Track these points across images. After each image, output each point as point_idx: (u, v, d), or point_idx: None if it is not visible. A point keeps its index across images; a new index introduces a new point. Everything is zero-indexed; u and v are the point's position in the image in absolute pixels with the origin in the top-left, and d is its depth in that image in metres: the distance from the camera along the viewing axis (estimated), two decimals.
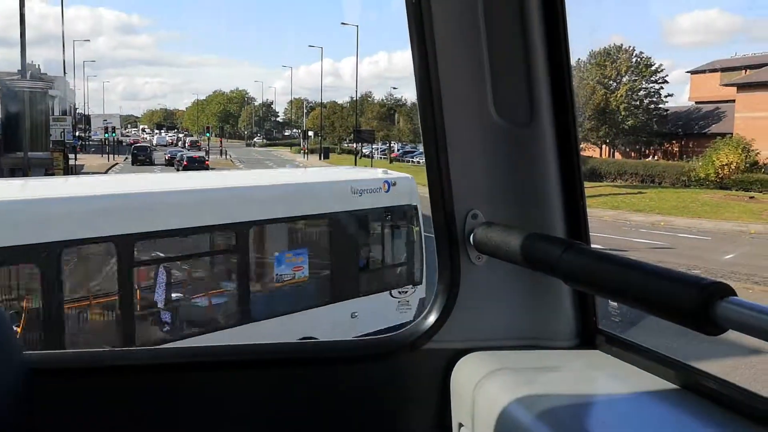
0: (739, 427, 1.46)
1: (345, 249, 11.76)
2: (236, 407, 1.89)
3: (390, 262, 12.56)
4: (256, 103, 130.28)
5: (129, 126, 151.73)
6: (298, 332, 10.33)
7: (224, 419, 1.88)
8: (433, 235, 2.01)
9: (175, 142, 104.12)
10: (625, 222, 31.47)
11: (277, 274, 11.12)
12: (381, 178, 12.55)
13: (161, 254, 10.13)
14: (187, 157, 56.31)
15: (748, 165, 41.80)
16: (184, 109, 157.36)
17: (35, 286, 8.65)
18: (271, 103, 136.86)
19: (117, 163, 59.33)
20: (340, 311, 11.31)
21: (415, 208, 12.40)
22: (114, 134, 69.39)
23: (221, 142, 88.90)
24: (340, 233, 11.67)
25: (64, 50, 77.41)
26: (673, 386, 1.67)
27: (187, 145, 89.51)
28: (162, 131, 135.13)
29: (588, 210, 2.02)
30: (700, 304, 1.20)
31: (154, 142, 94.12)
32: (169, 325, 10.08)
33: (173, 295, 10.35)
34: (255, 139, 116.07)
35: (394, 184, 12.26)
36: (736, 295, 1.19)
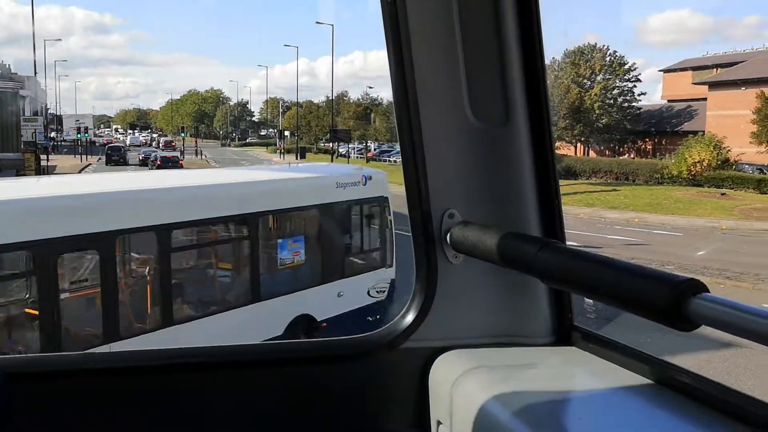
0: (713, 421, 1.48)
1: (332, 236, 13.20)
2: (216, 409, 1.88)
3: (368, 248, 14.00)
4: (232, 103, 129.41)
5: (102, 126, 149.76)
6: (297, 310, 11.95)
7: (204, 421, 1.87)
8: (409, 233, 2.02)
9: (149, 142, 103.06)
10: (600, 219, 31.81)
11: (280, 258, 12.43)
12: (366, 172, 14.15)
13: (194, 241, 11.60)
14: (161, 157, 56.88)
15: (719, 162, 42.41)
16: (158, 109, 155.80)
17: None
18: (247, 102, 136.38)
19: (90, 164, 58.57)
20: (329, 291, 12.65)
21: (387, 199, 13.84)
22: (87, 135, 68.38)
23: (196, 142, 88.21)
24: (328, 222, 13.10)
25: (35, 50, 75.88)
26: (648, 381, 1.69)
27: (161, 145, 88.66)
28: (135, 131, 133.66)
29: (564, 207, 2.05)
30: (673, 301, 1.21)
31: (128, 143, 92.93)
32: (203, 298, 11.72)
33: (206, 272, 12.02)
34: (230, 139, 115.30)
35: (370, 178, 13.72)
36: (708, 291, 1.21)
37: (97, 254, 9.78)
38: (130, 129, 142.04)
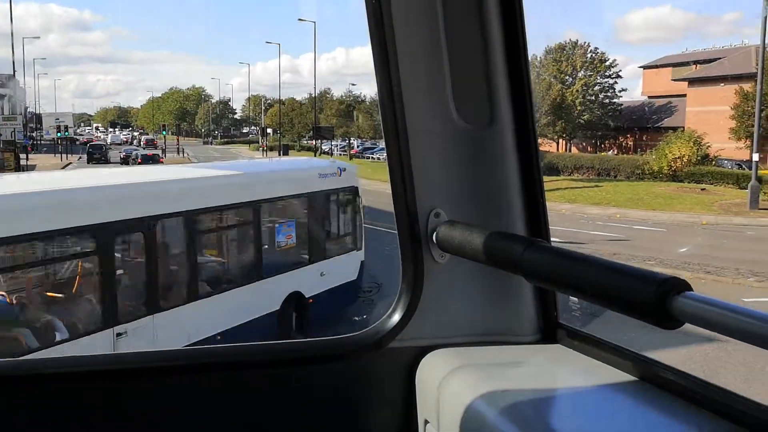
0: (696, 417, 1.50)
1: (317, 221, 14.74)
2: (200, 412, 1.87)
3: (343, 232, 15.53)
4: (213, 101, 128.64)
5: (82, 125, 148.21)
6: (290, 287, 13.39)
7: (189, 424, 1.87)
8: (395, 231, 2.02)
9: (129, 140, 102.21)
10: (583, 215, 32.01)
11: (277, 241, 13.81)
12: (339, 164, 15.88)
13: (212, 226, 12.77)
14: (142, 155, 57.39)
15: (699, 158, 42.83)
16: (139, 107, 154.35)
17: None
18: (229, 100, 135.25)
19: (71, 163, 57.96)
20: (314, 270, 14.23)
21: (357, 189, 15.55)
22: (67, 133, 67.67)
23: (178, 140, 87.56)
24: (313, 209, 14.55)
25: (13, 48, 75.04)
26: (632, 378, 1.71)
27: (142, 143, 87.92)
28: (116, 130, 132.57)
29: (547, 203, 2.07)
30: (657, 299, 1.23)
31: (108, 141, 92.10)
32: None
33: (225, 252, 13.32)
34: (212, 137, 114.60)
35: (344, 170, 15.36)
36: (692, 290, 1.23)
37: (142, 236, 10.82)
38: (111, 127, 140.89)
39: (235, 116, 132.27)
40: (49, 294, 10.35)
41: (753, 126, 35.65)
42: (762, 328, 1.11)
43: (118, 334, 9.98)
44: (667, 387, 1.61)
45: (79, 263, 10.46)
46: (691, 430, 1.50)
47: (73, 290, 10.40)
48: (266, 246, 13.50)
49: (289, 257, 14.02)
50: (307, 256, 14.31)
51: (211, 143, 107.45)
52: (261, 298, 12.73)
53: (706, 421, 1.47)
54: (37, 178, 19.20)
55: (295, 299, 13.55)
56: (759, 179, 33.22)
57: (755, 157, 33.72)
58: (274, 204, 13.85)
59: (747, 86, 42.23)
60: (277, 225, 13.77)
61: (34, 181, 14.07)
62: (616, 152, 58.18)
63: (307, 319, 13.80)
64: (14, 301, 9.70)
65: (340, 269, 14.80)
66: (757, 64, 36.02)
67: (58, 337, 9.59)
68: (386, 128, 1.93)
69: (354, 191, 15.42)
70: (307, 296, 13.79)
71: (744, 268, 20.11)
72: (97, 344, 9.57)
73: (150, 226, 10.75)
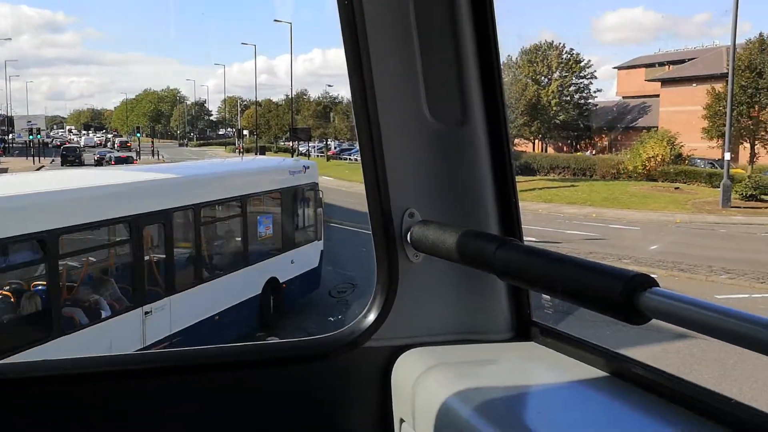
0: (666, 411, 1.53)
1: (288, 214, 16.16)
2: (173, 415, 1.86)
3: (307, 224, 16.98)
4: (189, 102, 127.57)
5: (55, 127, 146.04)
6: (269, 273, 14.86)
7: (161, 428, 1.85)
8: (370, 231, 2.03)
9: (103, 143, 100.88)
10: (559, 214, 32.25)
11: (259, 232, 15.36)
12: (304, 163, 17.84)
13: (211, 218, 14.16)
14: (115, 158, 57.44)
15: (672, 157, 43.34)
16: (113, 108, 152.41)
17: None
18: (204, 102, 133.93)
19: (44, 166, 57.16)
20: (286, 258, 15.69)
21: (317, 185, 17.10)
22: (39, 136, 66.69)
23: (152, 142, 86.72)
24: (285, 202, 16.01)
25: None
26: (605, 374, 1.74)
27: (116, 145, 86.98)
28: (90, 132, 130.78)
29: (523, 203, 2.09)
30: (625, 295, 1.25)
31: (82, 143, 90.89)
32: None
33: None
34: (188, 139, 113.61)
35: (308, 168, 17.07)
36: (658, 286, 1.25)
37: (162, 227, 12.14)
38: (85, 130, 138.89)
39: (211, 118, 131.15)
40: (95, 277, 11.85)
41: (725, 126, 36.22)
42: (725, 323, 1.14)
43: (146, 313, 11.41)
44: (639, 382, 1.64)
45: (112, 251, 12.18)
46: (662, 425, 1.52)
47: (111, 274, 11.96)
48: (252, 236, 15.06)
49: (267, 247, 15.57)
50: (280, 246, 15.78)
51: (187, 145, 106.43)
52: (248, 282, 14.24)
53: (677, 416, 1.50)
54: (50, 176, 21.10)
55: (272, 284, 14.97)
56: (731, 178, 33.77)
57: (727, 156, 34.26)
58: (259, 198, 15.39)
59: (718, 86, 42.84)
60: (258, 217, 15.23)
61: (60, 179, 15.03)
62: (594, 152, 58.72)
63: (281, 302, 15.31)
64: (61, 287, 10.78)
65: (305, 257, 16.38)
66: (728, 65, 36.61)
67: (103, 315, 11.03)
68: (360, 129, 1.94)
69: (315, 186, 16.93)
70: (281, 281, 15.26)
71: (716, 266, 20.41)
72: (133, 321, 11.16)
73: (169, 217, 12.19)
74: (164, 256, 12.26)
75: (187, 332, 12.05)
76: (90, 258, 11.75)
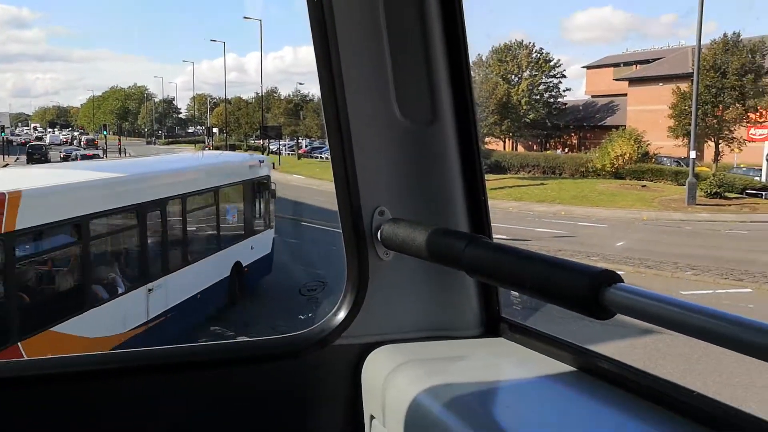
0: (632, 405, 1.56)
1: (248, 203, 17.73)
2: (142, 414, 1.85)
3: (262, 213, 18.40)
4: (157, 100, 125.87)
5: (20, 125, 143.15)
6: (235, 258, 16.37)
7: (137, 425, 1.84)
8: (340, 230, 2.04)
9: (69, 140, 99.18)
10: (529, 212, 32.53)
11: (227, 220, 16.94)
12: (259, 157, 20.44)
13: (195, 206, 15.45)
14: (81, 155, 56.27)
15: (640, 155, 43.96)
16: (79, 106, 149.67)
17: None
18: (173, 99, 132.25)
19: (8, 164, 56.05)
20: (247, 245, 17.21)
21: (270, 177, 18.67)
22: (3, 134, 65.39)
23: (119, 140, 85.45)
24: (246, 193, 17.52)
25: None
26: (572, 369, 1.76)
27: (83, 143, 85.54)
28: (55, 130, 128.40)
29: (494, 202, 2.11)
30: (590, 291, 1.27)
31: (48, 141, 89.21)
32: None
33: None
34: (156, 137, 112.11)
35: (262, 161, 19.02)
36: (623, 281, 1.28)
37: (158, 214, 13.47)
38: (50, 127, 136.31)
39: (180, 116, 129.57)
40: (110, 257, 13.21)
41: (690, 125, 36.86)
42: (687, 317, 1.16)
43: (150, 289, 12.81)
44: (605, 377, 1.67)
45: (122, 234, 13.41)
46: (627, 418, 1.55)
47: (121, 255, 13.37)
48: (224, 224, 16.65)
49: (233, 234, 17.13)
50: (243, 233, 17.39)
51: (155, 143, 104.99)
52: (221, 265, 15.79)
53: (642, 409, 1.53)
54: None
55: (237, 267, 16.52)
56: (696, 176, 34.37)
57: (692, 154, 34.89)
58: (229, 189, 16.85)
59: (684, 86, 43.55)
60: (226, 206, 16.75)
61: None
62: (566, 151, 59.30)
63: (243, 285, 16.82)
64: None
65: (262, 244, 17.99)
66: (693, 65, 37.24)
67: (119, 291, 12.46)
68: (329, 128, 1.94)
69: (268, 178, 18.60)
70: (244, 265, 16.78)
71: (682, 262, 20.76)
72: (139, 297, 12.64)
73: (164, 205, 13.57)
74: (161, 238, 13.80)
75: (179, 308, 13.67)
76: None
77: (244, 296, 16.66)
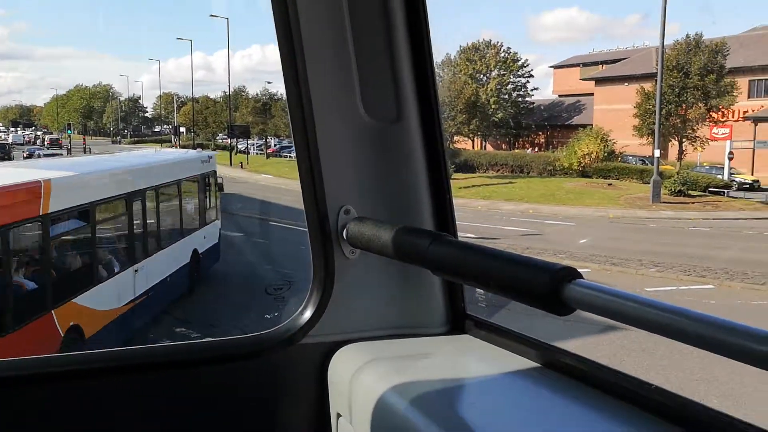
0: (595, 399, 1.58)
1: (202, 196, 19.30)
2: (115, 413, 1.83)
3: (210, 205, 20.05)
4: (122, 98, 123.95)
5: None
6: (193, 246, 17.96)
7: (102, 426, 1.82)
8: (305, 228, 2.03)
9: (33, 140, 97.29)
10: (497, 211, 32.74)
11: (187, 211, 18.37)
12: (208, 153, 22.62)
13: (165, 197, 16.97)
14: (45, 155, 55.54)
15: (606, 154, 44.56)
16: (43, 105, 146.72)
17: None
18: (139, 98, 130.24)
19: None
20: (201, 234, 18.81)
21: (216, 172, 20.32)
22: None
23: (84, 139, 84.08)
24: (199, 186, 19.11)
25: None
26: (537, 365, 1.79)
27: (46, 143, 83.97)
28: (18, 129, 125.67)
29: (462, 200, 2.13)
30: (551, 287, 1.29)
31: (10, 141, 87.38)
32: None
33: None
34: (121, 136, 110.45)
35: (211, 157, 20.73)
36: (582, 278, 1.30)
37: (140, 203, 15.00)
38: (13, 127, 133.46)
39: (146, 115, 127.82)
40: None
41: (654, 124, 37.49)
42: (645, 313, 1.19)
43: (135, 271, 14.37)
44: (569, 372, 1.69)
45: (116, 220, 14.79)
46: (590, 412, 1.58)
47: (115, 239, 14.78)
48: (185, 214, 18.17)
49: (191, 224, 18.64)
50: (198, 223, 19.01)
51: (120, 142, 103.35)
52: (183, 252, 17.35)
53: (604, 403, 1.56)
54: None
55: (194, 254, 18.09)
56: (660, 174, 34.97)
57: (657, 153, 35.48)
58: (187, 182, 18.28)
59: (648, 86, 44.25)
60: (185, 198, 18.22)
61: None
62: (535, 150, 59.83)
63: (199, 271, 18.26)
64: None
65: (211, 234, 19.64)
66: (657, 65, 37.87)
67: (115, 270, 14.03)
68: (295, 127, 1.94)
69: (216, 174, 20.33)
70: (199, 252, 18.38)
71: (646, 260, 21.10)
72: (128, 277, 14.23)
73: (143, 195, 15.05)
74: (142, 226, 15.25)
75: (155, 289, 15.18)
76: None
77: (199, 279, 18.32)
